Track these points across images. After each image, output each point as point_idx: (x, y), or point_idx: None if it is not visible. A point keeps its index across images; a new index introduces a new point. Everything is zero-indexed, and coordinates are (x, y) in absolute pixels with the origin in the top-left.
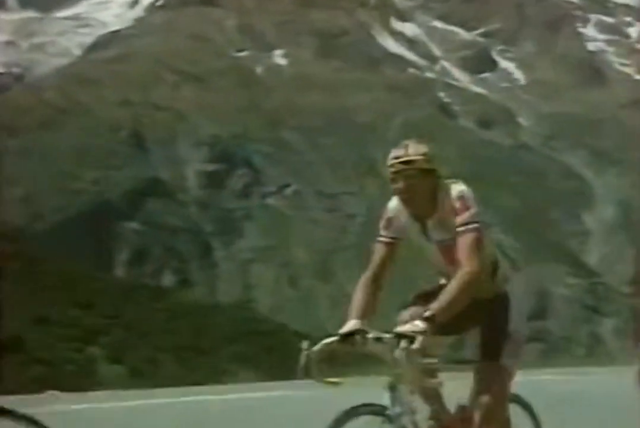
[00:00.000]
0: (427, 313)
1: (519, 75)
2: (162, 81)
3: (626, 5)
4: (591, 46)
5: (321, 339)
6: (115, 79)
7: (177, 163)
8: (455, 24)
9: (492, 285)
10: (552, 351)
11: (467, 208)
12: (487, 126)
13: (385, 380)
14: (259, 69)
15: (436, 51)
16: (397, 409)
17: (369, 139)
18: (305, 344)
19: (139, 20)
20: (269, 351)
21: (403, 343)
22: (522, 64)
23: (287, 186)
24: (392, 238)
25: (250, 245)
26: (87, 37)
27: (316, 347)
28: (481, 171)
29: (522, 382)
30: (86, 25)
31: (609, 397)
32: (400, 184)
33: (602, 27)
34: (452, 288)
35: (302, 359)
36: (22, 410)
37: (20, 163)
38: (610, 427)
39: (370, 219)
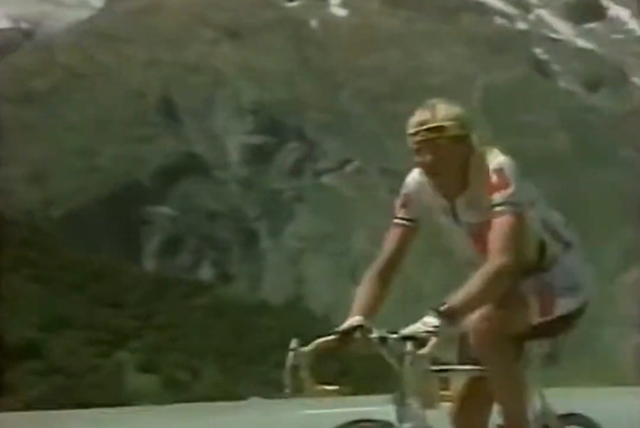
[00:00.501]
0: (442, 307)
1: (634, 24)
2: (197, 37)
3: None
4: None
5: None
6: (142, 36)
7: (215, 135)
8: None
9: (537, 265)
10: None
11: (505, 185)
12: (593, 89)
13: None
14: (313, 22)
15: None
16: (406, 426)
17: None
18: (294, 343)
19: None
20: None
21: (409, 346)
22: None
23: (347, 162)
24: (410, 219)
25: (302, 232)
26: None
27: (308, 347)
28: (584, 142)
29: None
30: None
31: None
32: (427, 157)
33: None
34: (477, 280)
35: (289, 361)
36: None
37: (29, 136)
38: None
39: None
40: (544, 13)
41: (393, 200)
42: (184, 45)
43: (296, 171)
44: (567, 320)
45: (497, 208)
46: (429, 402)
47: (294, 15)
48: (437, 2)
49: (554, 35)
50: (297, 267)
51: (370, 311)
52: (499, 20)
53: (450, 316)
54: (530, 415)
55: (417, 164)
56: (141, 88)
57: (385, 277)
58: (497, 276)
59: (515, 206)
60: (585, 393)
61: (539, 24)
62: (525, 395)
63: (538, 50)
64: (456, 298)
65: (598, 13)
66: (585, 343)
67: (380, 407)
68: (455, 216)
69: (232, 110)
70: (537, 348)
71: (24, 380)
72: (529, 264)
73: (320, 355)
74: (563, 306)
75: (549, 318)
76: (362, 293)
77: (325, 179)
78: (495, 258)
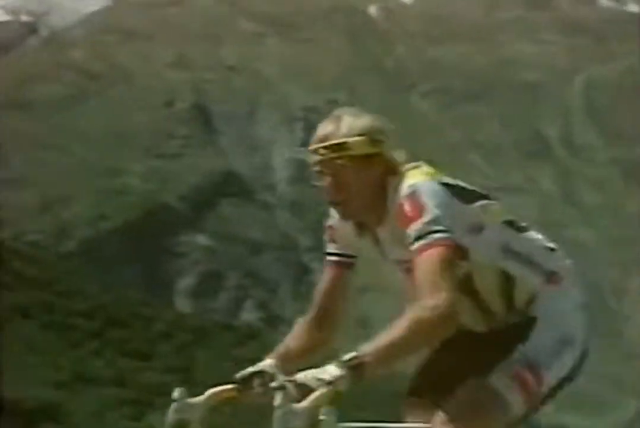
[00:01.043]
0: (348, 356)
1: None
2: (234, 32)
3: None
4: None
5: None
6: (167, 31)
7: (259, 149)
8: None
9: (505, 311)
10: None
11: (420, 212)
12: None
13: None
14: (372, 10)
15: None
16: None
17: (537, 107)
18: (177, 393)
19: None
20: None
21: (278, 399)
22: None
23: None
24: (342, 254)
25: (364, 264)
26: None
27: (198, 398)
28: None
29: None
30: None
31: None
32: (326, 181)
33: None
34: (398, 327)
35: (171, 416)
36: None
37: (35, 152)
38: None
39: (545, 225)
40: None
41: None
42: (218, 41)
43: None
44: (557, 387)
45: (415, 244)
46: None
47: (349, 3)
48: None
49: None
50: (360, 308)
51: (287, 357)
52: (604, 2)
53: (356, 369)
54: None
55: (319, 190)
56: (168, 94)
57: (320, 323)
58: (423, 322)
59: (438, 233)
60: None
61: None
62: None
63: None
64: (369, 347)
65: None
66: None
67: None
68: (382, 251)
69: (279, 118)
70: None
71: None
72: (494, 318)
73: (215, 406)
74: (554, 375)
75: (536, 404)
76: (286, 337)
77: None
78: (425, 299)
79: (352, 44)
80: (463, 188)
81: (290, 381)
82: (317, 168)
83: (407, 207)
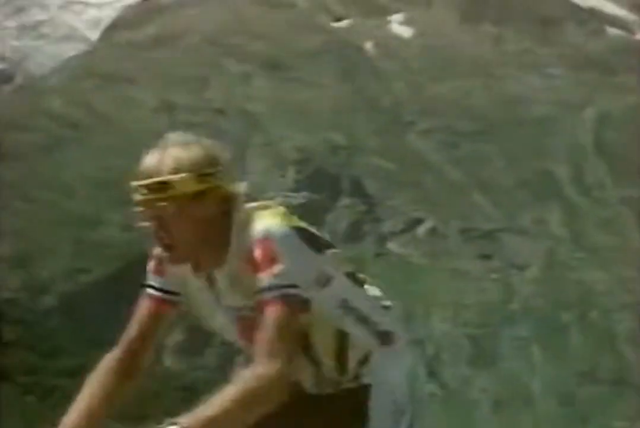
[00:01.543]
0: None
1: None
2: (222, 72)
3: None
4: None
5: None
6: (150, 74)
7: (249, 194)
8: None
9: (337, 373)
10: None
11: (272, 261)
12: None
13: None
14: (368, 45)
15: None
16: None
17: (545, 144)
18: None
19: None
20: None
21: None
22: None
23: (419, 222)
24: (167, 291)
25: None
26: (106, 10)
27: None
28: None
29: None
30: None
31: None
32: (150, 222)
33: None
34: (230, 392)
35: None
36: None
37: (11, 202)
38: None
39: (551, 273)
40: None
41: (478, 268)
42: (204, 83)
43: (353, 235)
44: None
45: (262, 295)
46: None
47: (343, 39)
48: (531, 14)
49: None
50: None
51: (91, 418)
52: (612, 31)
53: None
54: None
55: (144, 232)
56: (151, 140)
57: (125, 370)
58: (254, 393)
59: (286, 289)
60: None
61: None
62: None
63: None
64: (191, 418)
65: None
66: None
67: None
68: (216, 294)
69: (270, 160)
70: None
71: None
72: (326, 379)
73: None
74: None
75: None
76: (83, 393)
77: (392, 245)
78: (259, 366)
79: (346, 81)
80: (314, 235)
81: None
82: (139, 209)
83: (257, 253)
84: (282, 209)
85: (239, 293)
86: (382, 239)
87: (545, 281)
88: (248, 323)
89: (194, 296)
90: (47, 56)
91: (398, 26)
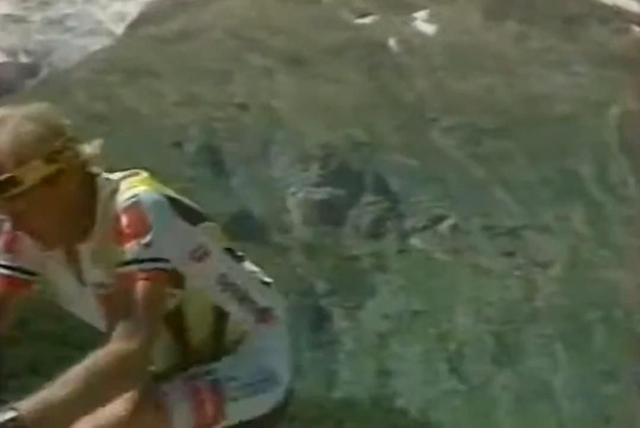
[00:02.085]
0: (7, 415)
1: None
2: (245, 68)
3: None
4: None
5: None
6: (174, 69)
7: (272, 189)
8: None
9: (211, 351)
10: None
11: (139, 230)
12: None
13: None
14: (392, 42)
15: None
16: None
17: (568, 142)
18: None
19: None
20: None
21: None
22: None
23: (441, 219)
24: (16, 269)
25: (386, 310)
26: (131, 4)
27: None
28: None
29: None
30: None
31: None
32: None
33: None
34: (79, 372)
35: None
36: None
37: None
38: None
39: (574, 271)
40: None
41: (500, 265)
42: (228, 78)
43: (376, 232)
44: (248, 424)
45: (126, 267)
46: None
47: (367, 35)
48: (555, 11)
49: None
50: (382, 356)
51: None
52: (637, 29)
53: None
54: None
55: None
56: (176, 134)
57: None
58: (116, 368)
59: (157, 262)
60: None
61: None
62: None
63: None
64: (40, 397)
65: None
66: None
67: None
68: (78, 272)
69: (293, 157)
70: None
71: None
72: (196, 358)
73: None
74: (239, 414)
75: None
76: None
77: (414, 241)
78: (116, 342)
79: (369, 78)
80: (187, 206)
81: None
82: None
83: (125, 221)
84: (148, 176)
85: (103, 267)
86: (405, 235)
87: (569, 279)
88: (113, 302)
89: (54, 275)
90: (72, 50)
91: (422, 23)
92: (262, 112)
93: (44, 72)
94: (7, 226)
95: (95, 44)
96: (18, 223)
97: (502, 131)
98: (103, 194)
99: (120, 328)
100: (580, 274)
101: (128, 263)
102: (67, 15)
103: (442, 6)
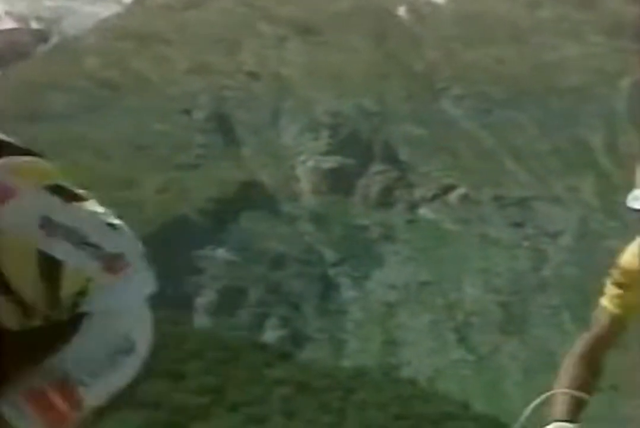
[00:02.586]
0: None
1: None
2: (255, 36)
3: None
4: None
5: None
6: (185, 36)
7: (281, 158)
8: None
9: (47, 305)
10: None
11: None
12: None
13: None
14: (402, 11)
15: None
16: None
17: (580, 113)
18: None
19: None
20: None
21: None
22: None
23: (451, 188)
24: None
25: (393, 280)
26: None
27: None
28: None
29: None
30: None
31: None
32: None
33: None
34: None
35: None
36: None
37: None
38: None
39: (584, 241)
40: None
41: (509, 235)
42: (238, 46)
43: (385, 201)
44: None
45: None
46: None
47: (376, 3)
48: None
49: None
50: (389, 325)
51: None
52: None
53: None
54: None
55: None
56: (186, 101)
57: None
58: None
59: None
60: None
61: None
62: None
63: None
64: None
65: None
66: None
67: None
68: None
69: (302, 125)
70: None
71: None
72: (31, 314)
73: None
74: (97, 394)
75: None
76: None
77: (423, 211)
78: None
79: (379, 46)
80: None
81: None
82: None
83: None
84: None
85: None
86: (414, 205)
87: (578, 249)
88: None
89: None
90: (82, 17)
91: None
92: (272, 80)
93: (55, 39)
94: None
95: (105, 11)
96: None
97: (512, 101)
98: None
99: None
100: (589, 244)
101: None
102: None
103: None
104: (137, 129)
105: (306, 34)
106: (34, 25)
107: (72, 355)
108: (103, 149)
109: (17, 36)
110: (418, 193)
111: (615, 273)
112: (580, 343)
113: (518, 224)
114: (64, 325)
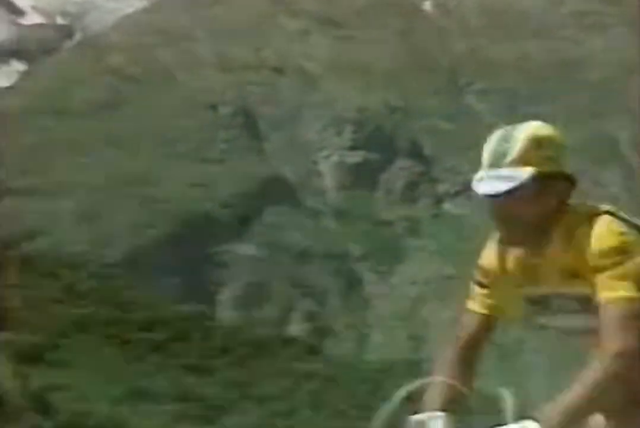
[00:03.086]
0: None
1: None
2: (279, 30)
3: None
4: None
5: None
6: (209, 31)
7: (306, 153)
8: None
9: None
10: None
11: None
12: None
13: None
14: (427, 5)
15: None
16: None
17: (605, 107)
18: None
19: None
20: None
21: None
22: None
23: None
24: None
25: (418, 275)
26: None
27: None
28: None
29: None
30: None
31: None
32: None
33: None
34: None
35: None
36: None
37: (73, 159)
38: None
39: None
40: None
41: None
42: (262, 40)
43: (409, 196)
44: None
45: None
46: None
47: None
48: None
49: None
50: (416, 320)
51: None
52: None
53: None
54: None
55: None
56: (211, 97)
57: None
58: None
59: None
60: None
61: None
62: None
63: None
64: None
65: None
66: None
67: None
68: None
69: (327, 120)
70: None
71: None
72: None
73: None
74: None
75: None
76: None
77: (447, 206)
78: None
79: (404, 41)
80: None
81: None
82: None
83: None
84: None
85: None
86: (438, 200)
87: None
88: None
89: None
90: (105, 12)
91: None
92: (296, 75)
93: (80, 34)
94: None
95: (129, 6)
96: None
97: (537, 96)
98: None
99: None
100: None
101: None
102: None
103: None
104: (162, 125)
105: (330, 28)
106: (60, 20)
107: None
108: (128, 145)
109: (44, 32)
110: (442, 188)
111: (477, 273)
112: (451, 347)
113: None
114: None
